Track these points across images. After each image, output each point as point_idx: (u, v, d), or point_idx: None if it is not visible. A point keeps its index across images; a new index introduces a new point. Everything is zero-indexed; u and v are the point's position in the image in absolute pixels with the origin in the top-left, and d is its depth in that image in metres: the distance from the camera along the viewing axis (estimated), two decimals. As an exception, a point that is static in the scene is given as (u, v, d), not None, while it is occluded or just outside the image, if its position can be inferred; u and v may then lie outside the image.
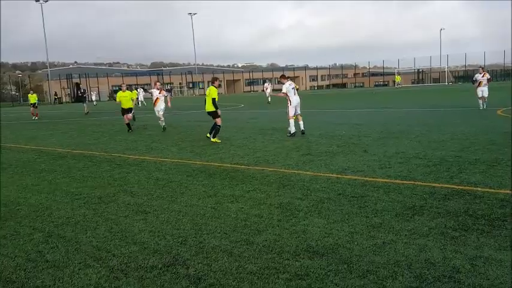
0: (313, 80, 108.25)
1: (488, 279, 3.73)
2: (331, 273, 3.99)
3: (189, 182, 7.99)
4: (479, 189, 6.50)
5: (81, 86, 70.76)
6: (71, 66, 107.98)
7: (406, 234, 4.84)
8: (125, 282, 3.97)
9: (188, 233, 5.24)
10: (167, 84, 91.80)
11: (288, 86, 14.49)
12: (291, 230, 5.18)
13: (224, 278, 4.01)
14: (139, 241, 5.03)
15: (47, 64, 79.98)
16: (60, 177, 9.16)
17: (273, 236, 5.01)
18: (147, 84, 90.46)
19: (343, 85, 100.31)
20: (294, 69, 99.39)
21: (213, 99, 13.63)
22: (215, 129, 13.67)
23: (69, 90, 78.41)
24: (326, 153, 10.33)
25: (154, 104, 18.03)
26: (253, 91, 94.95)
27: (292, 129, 14.15)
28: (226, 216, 5.82)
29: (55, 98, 71.23)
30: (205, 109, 14.06)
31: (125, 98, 18.33)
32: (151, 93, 18.69)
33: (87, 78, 77.56)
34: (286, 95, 14.40)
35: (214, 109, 13.69)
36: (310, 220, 5.51)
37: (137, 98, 35.94)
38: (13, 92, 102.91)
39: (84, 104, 35.41)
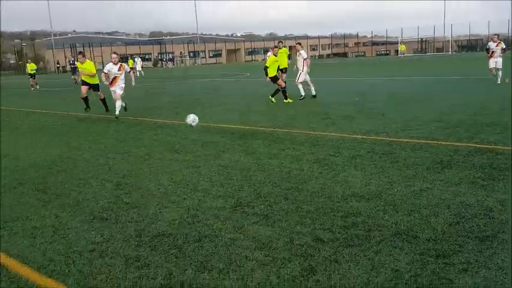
0: (313, 49, 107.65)
1: (519, 215, 4.35)
2: (381, 212, 4.61)
3: (225, 142, 8.57)
4: (499, 147, 7.10)
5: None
6: (70, 35, 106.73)
7: (439, 183, 5.45)
8: (203, 218, 4.60)
9: (241, 182, 5.85)
10: (169, 53, 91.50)
11: (305, 53, 15.20)
12: (333, 180, 5.78)
13: (287, 215, 4.62)
14: (201, 189, 5.64)
15: (51, 32, 79.53)
16: (100, 138, 9.75)
17: (318, 185, 5.62)
18: (148, 54, 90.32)
19: (344, 54, 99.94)
20: (295, 38, 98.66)
21: (265, 67, 14.57)
22: (283, 92, 14.67)
23: (73, 59, 77.88)
24: (345, 118, 10.88)
25: (111, 84, 13.23)
26: (254, 60, 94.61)
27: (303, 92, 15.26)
28: (271, 170, 6.41)
29: (57, 67, 71.18)
30: (268, 75, 14.75)
31: (86, 71, 14.43)
32: (108, 72, 13.25)
33: (91, 48, 77.16)
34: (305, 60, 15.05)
35: (275, 73, 14.64)
36: (349, 172, 6.12)
37: (134, 68, 36.63)
38: (12, 61, 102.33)
39: (73, 76, 33.68)
